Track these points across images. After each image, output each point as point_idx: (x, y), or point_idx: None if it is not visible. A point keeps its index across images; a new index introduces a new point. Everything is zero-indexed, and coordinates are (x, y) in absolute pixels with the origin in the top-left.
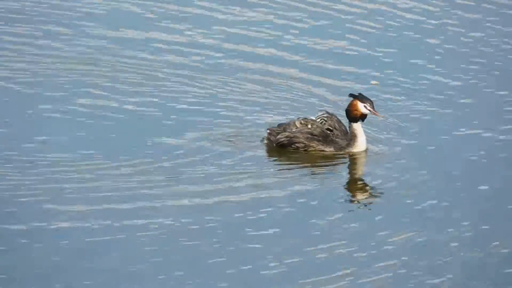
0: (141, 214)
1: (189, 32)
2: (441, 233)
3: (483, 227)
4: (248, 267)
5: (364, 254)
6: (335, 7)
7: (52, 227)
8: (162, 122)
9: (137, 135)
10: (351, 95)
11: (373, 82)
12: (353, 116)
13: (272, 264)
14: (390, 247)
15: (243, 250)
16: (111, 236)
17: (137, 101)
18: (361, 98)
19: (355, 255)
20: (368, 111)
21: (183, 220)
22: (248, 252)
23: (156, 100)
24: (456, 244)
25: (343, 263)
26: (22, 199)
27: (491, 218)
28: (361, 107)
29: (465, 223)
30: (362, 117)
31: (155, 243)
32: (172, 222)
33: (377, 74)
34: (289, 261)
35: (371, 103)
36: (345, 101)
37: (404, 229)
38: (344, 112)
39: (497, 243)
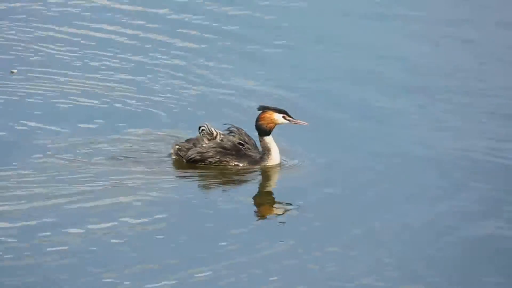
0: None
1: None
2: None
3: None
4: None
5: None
6: None
7: None
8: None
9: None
10: (261, 107)
11: (13, 70)
12: (268, 129)
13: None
14: (297, 262)
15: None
16: None
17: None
18: (275, 108)
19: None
20: (287, 121)
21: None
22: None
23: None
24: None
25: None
26: None
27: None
28: (279, 118)
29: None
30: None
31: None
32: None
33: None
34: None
35: (287, 112)
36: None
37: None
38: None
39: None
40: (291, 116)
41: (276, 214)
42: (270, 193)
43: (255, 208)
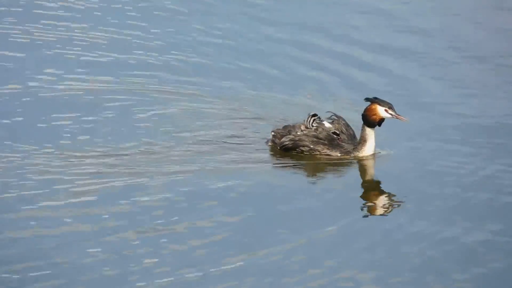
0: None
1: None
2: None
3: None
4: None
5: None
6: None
7: None
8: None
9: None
10: (367, 99)
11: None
12: (372, 121)
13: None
14: (395, 251)
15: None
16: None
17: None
18: (380, 102)
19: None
20: (390, 115)
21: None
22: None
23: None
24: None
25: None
26: None
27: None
28: (381, 111)
29: (469, 224)
30: (380, 121)
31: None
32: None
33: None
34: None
35: (391, 106)
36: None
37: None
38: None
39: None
40: (394, 110)
41: (368, 205)
42: (363, 183)
43: (347, 199)
